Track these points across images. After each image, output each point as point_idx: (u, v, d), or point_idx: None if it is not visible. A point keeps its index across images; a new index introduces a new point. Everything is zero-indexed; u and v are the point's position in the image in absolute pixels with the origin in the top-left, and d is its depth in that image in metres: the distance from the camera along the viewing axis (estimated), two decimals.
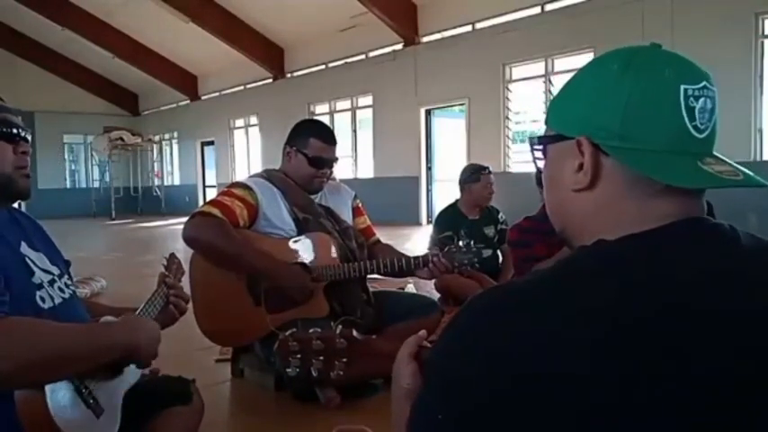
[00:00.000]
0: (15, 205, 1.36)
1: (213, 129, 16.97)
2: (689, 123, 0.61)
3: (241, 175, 14.55)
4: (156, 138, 18.76)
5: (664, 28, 7.41)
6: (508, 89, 10.15)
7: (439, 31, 11.06)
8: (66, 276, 1.35)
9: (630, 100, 0.61)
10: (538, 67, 9.74)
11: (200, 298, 2.30)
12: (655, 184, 0.61)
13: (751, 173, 0.62)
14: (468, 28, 10.60)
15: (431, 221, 9.45)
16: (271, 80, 14.81)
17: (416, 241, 7.97)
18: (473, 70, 10.21)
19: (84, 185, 19.21)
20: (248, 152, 16.05)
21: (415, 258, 2.33)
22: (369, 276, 2.46)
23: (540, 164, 0.72)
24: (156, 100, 18.98)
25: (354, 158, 13.03)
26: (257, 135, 15.64)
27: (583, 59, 8.71)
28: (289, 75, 14.50)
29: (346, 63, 12.80)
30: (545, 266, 0.62)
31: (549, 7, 9.43)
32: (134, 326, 1.22)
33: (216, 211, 2.27)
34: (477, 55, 10.14)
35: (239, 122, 16.48)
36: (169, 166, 19.52)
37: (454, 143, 11.21)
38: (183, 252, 2.20)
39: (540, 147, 0.71)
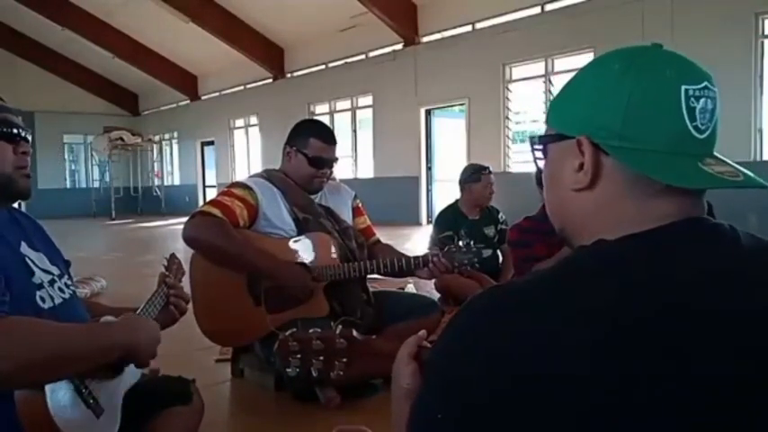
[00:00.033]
0: (15, 205, 1.36)
1: (213, 129, 16.97)
2: (689, 124, 0.61)
3: (241, 175, 14.55)
4: (156, 138, 18.77)
5: (664, 28, 7.41)
6: (508, 89, 10.16)
7: (439, 31, 11.06)
8: (66, 276, 1.35)
9: (631, 100, 0.61)
10: (538, 67, 9.74)
11: (201, 298, 2.30)
12: (655, 184, 0.61)
13: (751, 173, 0.62)
14: (468, 28, 10.60)
15: (431, 221, 9.45)
16: (271, 80, 14.81)
17: (416, 241, 7.97)
18: (473, 70, 10.22)
19: (84, 185, 19.21)
20: (248, 152, 16.05)
21: (415, 258, 2.33)
22: (369, 276, 2.46)
23: (541, 163, 0.72)
24: (156, 100, 18.99)
25: (354, 158, 13.03)
26: (257, 135, 15.64)
27: (583, 59, 8.72)
28: (289, 75, 14.50)
29: (346, 63, 12.80)
30: (545, 266, 0.62)
31: (549, 7, 9.43)
32: (134, 326, 1.22)
33: (216, 211, 2.27)
34: (477, 55, 10.15)
35: (239, 122, 16.48)
36: (169, 166, 19.52)
37: (454, 143, 11.21)
38: (183, 252, 2.20)
39: (541, 146, 0.71)
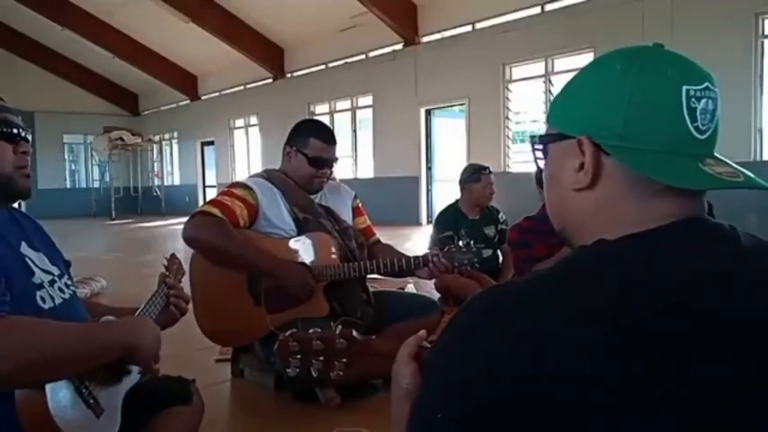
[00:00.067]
0: (15, 205, 1.36)
1: (213, 129, 16.97)
2: (690, 124, 0.61)
3: (241, 175, 14.56)
4: (156, 138, 18.77)
5: (664, 28, 7.41)
6: (508, 89, 10.16)
7: (439, 31, 11.07)
8: (66, 276, 1.35)
9: (632, 100, 0.61)
10: (538, 67, 9.74)
11: (200, 298, 2.30)
12: (655, 185, 0.61)
13: (752, 174, 0.62)
14: (468, 28, 10.60)
15: (431, 221, 9.45)
16: (271, 80, 14.81)
17: (416, 241, 7.97)
18: (473, 70, 10.22)
19: (84, 185, 19.21)
20: (248, 152, 16.05)
21: (415, 258, 2.33)
22: (369, 276, 2.46)
23: (541, 163, 0.72)
24: (156, 100, 18.99)
25: (354, 158, 13.03)
26: (257, 135, 15.64)
27: (583, 59, 8.76)
28: (289, 75, 14.50)
29: (346, 63, 12.80)
30: (545, 266, 0.62)
31: (549, 7, 9.43)
32: (134, 325, 1.23)
33: (216, 211, 2.27)
34: (477, 55, 10.15)
35: (239, 122, 16.48)
36: (169, 166, 19.52)
37: (454, 143, 11.21)
38: (183, 252, 2.20)
39: (542, 146, 0.71)
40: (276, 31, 13.71)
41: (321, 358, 0.91)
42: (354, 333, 0.92)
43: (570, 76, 0.70)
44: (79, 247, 8.38)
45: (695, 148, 0.62)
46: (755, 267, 0.59)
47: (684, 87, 0.61)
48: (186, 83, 17.30)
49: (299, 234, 2.36)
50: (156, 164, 19.31)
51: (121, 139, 17.09)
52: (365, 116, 12.82)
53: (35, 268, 1.24)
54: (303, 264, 2.30)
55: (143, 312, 1.39)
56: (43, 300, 1.22)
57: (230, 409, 2.46)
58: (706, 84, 0.62)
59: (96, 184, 18.39)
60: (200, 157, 18.00)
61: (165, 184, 18.96)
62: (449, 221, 3.93)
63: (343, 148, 10.79)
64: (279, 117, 12.93)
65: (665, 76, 0.62)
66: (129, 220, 15.55)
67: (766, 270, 0.60)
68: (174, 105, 18.39)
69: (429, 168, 11.69)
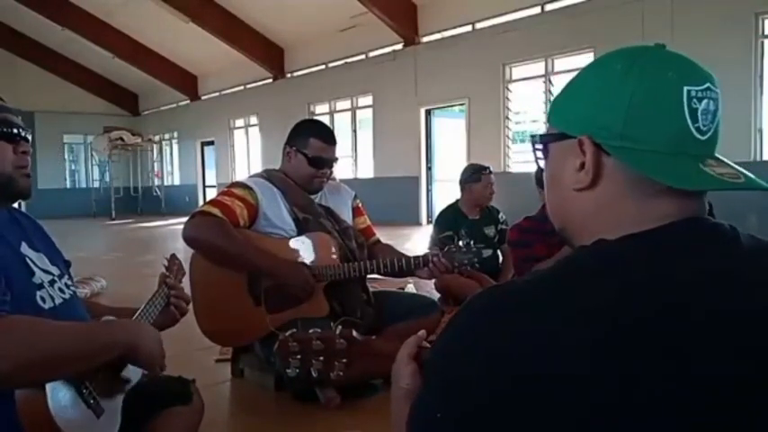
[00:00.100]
0: (15, 205, 1.36)
1: (213, 129, 16.97)
2: (691, 125, 0.61)
3: (241, 175, 14.55)
4: (156, 138, 18.76)
5: (664, 28, 7.41)
6: (508, 89, 10.16)
7: (439, 31, 11.06)
8: (66, 277, 1.35)
9: (633, 100, 0.61)
10: (538, 67, 9.74)
11: (200, 298, 2.30)
12: (656, 185, 0.61)
13: (752, 175, 0.62)
14: (468, 28, 10.60)
15: (431, 221, 9.46)
16: (271, 80, 14.81)
17: (416, 241, 7.97)
18: (473, 70, 10.22)
19: (84, 185, 19.21)
20: (248, 152, 16.05)
21: (415, 258, 2.33)
22: (369, 276, 2.46)
23: (542, 162, 0.72)
24: (156, 100, 18.99)
25: (354, 158, 13.03)
26: (257, 135, 15.64)
27: (583, 59, 8.76)
28: (289, 75, 14.50)
29: (346, 63, 12.80)
30: (545, 266, 0.62)
31: (549, 7, 9.43)
32: (134, 325, 1.23)
33: (216, 211, 2.27)
34: (477, 55, 10.15)
35: (239, 122, 16.48)
36: (169, 166, 19.52)
37: (454, 143, 11.21)
38: (183, 252, 2.20)
39: (542, 145, 0.71)
40: (276, 31, 13.71)
41: (321, 358, 0.91)
42: (354, 333, 0.92)
43: (570, 76, 0.69)
44: (79, 247, 8.38)
45: (696, 149, 0.62)
46: (755, 267, 0.59)
47: (685, 88, 0.61)
48: (186, 83, 17.30)
49: (299, 234, 2.36)
50: (156, 164, 19.31)
51: (121, 139, 17.08)
52: (365, 116, 12.82)
53: (35, 268, 1.24)
54: (303, 263, 2.30)
55: (143, 312, 1.40)
56: (43, 300, 1.22)
57: (230, 409, 2.46)
58: (707, 84, 0.62)
59: (96, 184, 18.39)
60: (200, 157, 17.99)
61: (165, 184, 18.96)
62: (449, 221, 3.93)
63: (343, 148, 10.79)
64: (279, 117, 12.93)
65: (665, 76, 0.61)
66: (129, 220, 15.55)
67: (766, 270, 0.60)
68: (174, 105, 18.39)
69: (429, 168, 11.69)
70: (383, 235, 2.84)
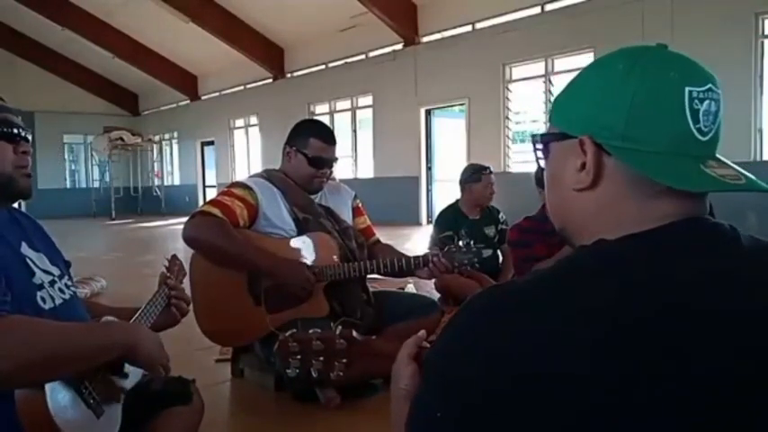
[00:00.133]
0: (15, 205, 1.36)
1: (213, 129, 16.97)
2: (693, 126, 0.61)
3: (241, 175, 14.55)
4: (156, 138, 18.76)
5: (664, 28, 7.41)
6: (508, 89, 10.16)
7: (439, 31, 11.06)
8: (66, 277, 1.35)
9: (635, 100, 0.61)
10: (538, 67, 9.74)
11: (200, 298, 2.30)
12: (656, 185, 0.61)
13: (753, 177, 0.62)
14: (468, 28, 10.60)
15: (431, 221, 9.46)
16: (271, 80, 14.81)
17: (416, 241, 7.97)
18: (473, 70, 10.22)
19: (84, 185, 19.21)
20: (248, 152, 16.05)
21: (415, 258, 2.33)
22: (369, 276, 2.46)
23: (542, 162, 0.72)
24: (156, 100, 18.99)
25: (354, 158, 13.03)
26: (257, 135, 15.64)
27: (583, 59, 8.77)
28: (289, 75, 14.50)
29: (346, 63, 12.80)
30: (545, 266, 0.62)
31: (549, 7, 9.43)
32: (133, 327, 1.24)
33: (216, 211, 2.27)
34: (477, 55, 10.15)
35: (239, 122, 16.48)
36: (169, 166, 19.52)
37: (454, 143, 11.21)
38: (183, 252, 2.20)
39: (543, 145, 0.71)
40: (276, 31, 13.71)
41: (321, 358, 0.91)
42: (354, 333, 0.92)
43: (570, 76, 0.69)
44: (79, 247, 8.38)
45: (697, 150, 0.62)
46: (755, 267, 0.59)
47: (687, 89, 0.61)
48: (186, 83, 17.30)
49: (299, 234, 2.36)
50: (156, 164, 19.31)
51: (121, 139, 17.08)
52: (365, 116, 12.82)
53: (35, 269, 1.24)
54: (303, 263, 2.30)
55: (144, 312, 1.40)
56: (43, 300, 1.22)
57: (230, 409, 2.46)
58: (709, 85, 0.62)
59: (96, 184, 18.39)
60: (200, 157, 17.99)
61: (165, 184, 18.96)
62: (449, 221, 3.93)
63: (343, 148, 10.80)
64: (279, 117, 12.93)
65: (667, 76, 0.61)
66: (129, 220, 15.55)
67: (766, 270, 0.60)
68: (174, 105, 18.39)
69: (429, 168, 11.69)
70: (383, 235, 2.84)
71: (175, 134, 18.85)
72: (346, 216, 2.58)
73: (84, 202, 17.44)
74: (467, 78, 10.30)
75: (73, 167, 19.76)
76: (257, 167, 13.08)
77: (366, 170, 12.82)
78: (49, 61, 17.50)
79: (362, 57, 12.49)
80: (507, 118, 10.19)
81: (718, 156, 0.64)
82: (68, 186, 19.28)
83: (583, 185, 0.65)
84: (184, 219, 2.40)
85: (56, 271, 1.31)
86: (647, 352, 0.52)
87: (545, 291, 0.58)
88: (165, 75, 16.87)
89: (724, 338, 0.53)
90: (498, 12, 9.97)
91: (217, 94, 16.87)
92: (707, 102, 0.61)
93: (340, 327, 0.93)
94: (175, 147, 19.12)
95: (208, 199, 2.80)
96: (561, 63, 9.43)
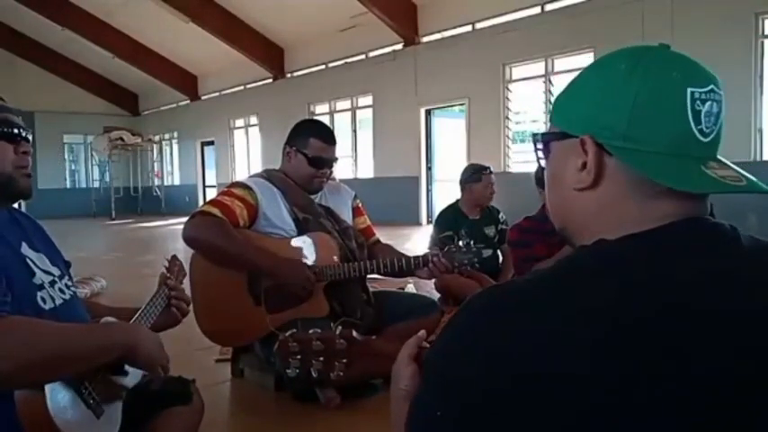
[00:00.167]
0: (15, 205, 1.36)
1: (213, 129, 16.97)
2: (694, 127, 0.61)
3: (241, 175, 14.55)
4: (156, 138, 18.76)
5: (664, 28, 7.41)
6: (508, 89, 10.16)
7: (439, 31, 11.06)
8: (66, 277, 1.35)
9: (637, 100, 0.61)
10: (538, 67, 9.74)
11: (200, 298, 2.30)
12: (657, 186, 0.61)
13: (754, 178, 0.62)
14: (468, 28, 10.60)
15: (431, 221, 9.46)
16: (271, 80, 14.81)
17: (416, 241, 7.97)
18: (473, 70, 10.22)
19: (84, 185, 19.21)
20: (248, 152, 16.05)
21: (415, 258, 2.33)
22: (369, 276, 2.46)
23: (543, 161, 0.72)
24: (156, 100, 18.98)
25: (354, 158, 13.03)
26: (257, 135, 15.64)
27: (583, 59, 8.77)
28: (289, 75, 14.50)
29: (346, 63, 12.80)
30: (545, 266, 0.62)
31: (549, 7, 9.43)
32: (133, 327, 1.24)
33: (216, 211, 2.27)
34: (477, 55, 10.15)
35: (239, 122, 16.48)
36: (169, 166, 19.52)
37: (454, 143, 11.21)
38: (183, 252, 2.20)
39: (544, 144, 0.71)
40: (276, 31, 13.71)
41: (321, 358, 0.91)
42: (354, 333, 0.92)
43: (570, 76, 0.69)
44: (79, 247, 8.38)
45: (698, 151, 0.61)
46: (755, 267, 0.59)
47: (689, 90, 0.61)
48: (186, 83, 17.30)
49: (299, 234, 2.36)
50: (156, 164, 19.31)
51: (121, 139, 17.08)
52: (365, 116, 12.82)
53: (36, 269, 1.24)
54: (303, 262, 2.30)
55: (144, 313, 1.40)
56: (44, 300, 1.22)
57: (230, 409, 2.46)
58: (711, 86, 0.62)
59: (96, 184, 18.39)
60: (200, 157, 17.99)
61: (165, 184, 18.96)
62: (449, 221, 3.93)
63: (343, 148, 10.80)
64: (279, 117, 12.93)
65: (670, 77, 0.61)
66: (129, 220, 15.55)
67: (766, 270, 0.59)
68: (174, 105, 18.39)
69: (429, 168, 11.69)
70: (383, 235, 2.84)
71: (175, 134, 18.85)
72: (346, 216, 2.58)
73: (84, 202, 17.44)
74: (467, 78, 10.30)
75: (73, 167, 19.76)
76: (257, 167, 13.08)
77: (366, 170, 12.81)
78: (49, 61, 17.50)
79: (362, 57, 12.49)
80: (507, 118, 10.19)
81: (719, 157, 0.63)
82: (68, 186, 19.28)
83: (584, 185, 0.65)
84: (184, 219, 2.40)
85: (56, 271, 1.31)
86: (647, 352, 0.52)
87: (545, 291, 0.58)
88: (165, 75, 16.87)
89: (724, 338, 0.53)
90: (498, 12, 9.96)
91: (217, 94, 16.87)
92: (709, 103, 0.61)
93: (340, 327, 0.93)
94: (175, 147, 19.12)
95: (208, 199, 2.80)
96: (561, 63, 9.43)
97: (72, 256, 1.54)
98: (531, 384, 0.53)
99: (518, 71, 10.12)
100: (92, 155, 18.47)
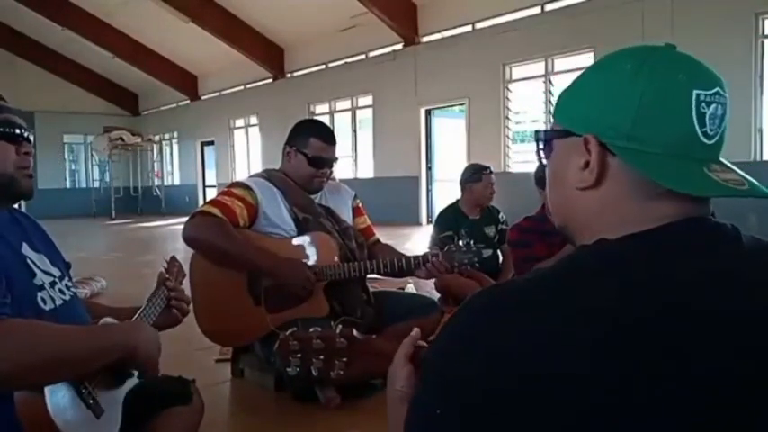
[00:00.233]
0: (15, 205, 1.36)
1: (213, 129, 16.96)
2: (698, 129, 0.61)
3: (241, 175, 14.54)
4: (156, 138, 18.76)
5: (664, 28, 7.41)
6: (508, 89, 10.15)
7: (439, 31, 11.06)
8: (66, 278, 1.35)
9: (643, 101, 0.60)
10: (538, 67, 9.74)
11: (200, 298, 2.30)
12: (659, 187, 0.60)
13: (756, 182, 0.61)
14: (468, 28, 10.60)
15: (431, 221, 9.46)
16: (271, 80, 14.81)
17: (416, 241, 7.97)
18: (473, 70, 10.21)
19: (84, 185, 19.20)
20: (248, 152, 16.05)
21: (415, 258, 2.33)
22: (369, 276, 2.46)
23: (545, 159, 0.72)
24: (156, 100, 18.98)
25: (354, 158, 13.02)
26: (257, 135, 15.64)
27: (583, 59, 8.76)
28: (289, 75, 14.50)
29: (346, 63, 12.79)
30: (545, 266, 0.62)
31: (549, 7, 9.43)
32: (133, 327, 1.24)
33: (216, 211, 2.27)
34: (477, 55, 10.14)
35: (239, 122, 16.48)
36: (169, 166, 19.51)
37: (454, 143, 11.21)
38: (183, 252, 2.20)
39: (546, 142, 0.71)
40: (276, 31, 13.71)
41: (321, 357, 0.91)
42: (355, 332, 0.92)
43: (570, 76, 0.70)
44: (79, 247, 8.38)
45: (701, 153, 0.61)
46: (756, 267, 0.59)
47: (695, 91, 0.60)
48: (186, 83, 17.30)
49: (299, 234, 2.36)
50: (156, 164, 19.30)
51: (121, 139, 17.08)
52: (365, 116, 12.82)
53: (36, 269, 1.24)
54: (303, 262, 2.30)
55: (144, 313, 1.40)
56: (44, 301, 1.21)
57: (230, 409, 2.46)
58: (716, 89, 0.61)
59: (96, 184, 18.39)
60: (200, 157, 17.99)
61: (165, 184, 18.95)
62: (449, 221, 3.92)
63: (343, 148, 10.80)
64: (279, 117, 12.93)
65: (676, 78, 0.61)
66: (129, 220, 15.55)
67: (766, 270, 0.59)
68: (174, 105, 18.38)
69: (429, 168, 11.69)
70: (383, 235, 2.84)
71: (175, 134, 18.84)
72: (346, 216, 2.58)
73: (84, 202, 17.43)
74: (467, 78, 10.30)
75: (73, 167, 19.75)
76: (257, 167, 13.08)
77: (366, 170, 12.81)
78: (49, 61, 17.50)
79: (362, 57, 12.49)
80: (507, 118, 10.19)
81: (721, 159, 0.63)
82: (68, 186, 19.27)
83: (586, 184, 0.65)
84: (184, 219, 2.40)
85: (56, 272, 1.31)
86: (647, 352, 0.52)
87: (545, 290, 0.58)
88: (165, 75, 16.86)
89: (724, 338, 0.53)
90: (498, 12, 9.96)
91: (217, 94, 16.87)
92: (714, 105, 0.61)
93: (340, 325, 0.93)
94: (175, 147, 19.12)
95: (208, 199, 2.80)
96: (561, 63, 9.43)
97: (72, 256, 1.54)
98: (531, 384, 0.53)
99: (518, 71, 10.12)
100: (92, 155, 18.47)
